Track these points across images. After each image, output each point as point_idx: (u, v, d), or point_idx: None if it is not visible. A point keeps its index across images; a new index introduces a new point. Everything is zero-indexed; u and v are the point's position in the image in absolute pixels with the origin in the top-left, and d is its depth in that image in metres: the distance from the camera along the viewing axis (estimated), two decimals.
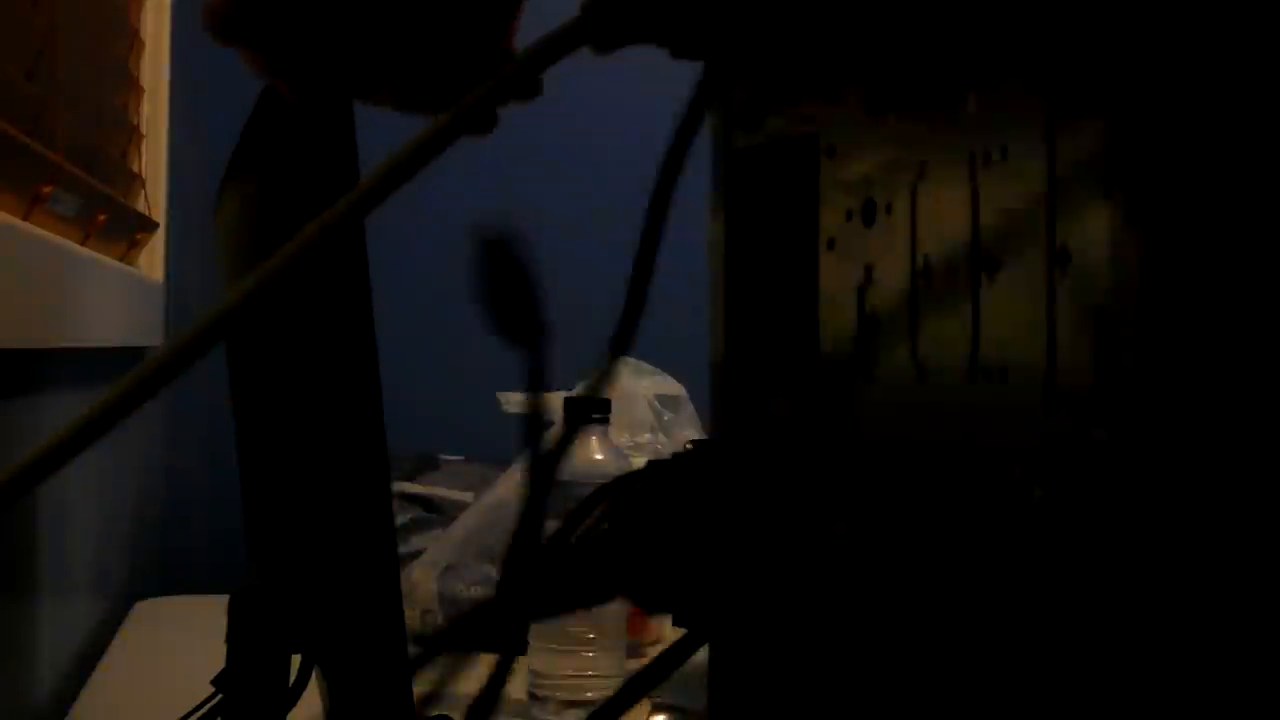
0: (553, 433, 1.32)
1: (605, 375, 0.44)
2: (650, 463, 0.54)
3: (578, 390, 1.33)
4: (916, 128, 0.46)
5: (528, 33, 0.36)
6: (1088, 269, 0.37)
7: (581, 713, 1.06)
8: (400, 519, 1.46)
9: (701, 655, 0.55)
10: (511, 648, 0.50)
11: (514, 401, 1.39)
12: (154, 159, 1.64)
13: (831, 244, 0.50)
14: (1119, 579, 0.36)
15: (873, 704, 0.47)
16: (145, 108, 1.63)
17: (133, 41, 1.58)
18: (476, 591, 1.27)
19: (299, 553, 0.75)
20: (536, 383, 0.42)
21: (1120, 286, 0.36)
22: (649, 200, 0.40)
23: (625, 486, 0.52)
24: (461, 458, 1.65)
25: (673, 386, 1.44)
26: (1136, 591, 0.36)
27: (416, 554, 1.33)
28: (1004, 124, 0.41)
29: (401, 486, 1.53)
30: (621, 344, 0.44)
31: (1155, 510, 0.36)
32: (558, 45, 0.34)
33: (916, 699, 0.44)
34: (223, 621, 0.77)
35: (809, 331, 0.51)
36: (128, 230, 1.52)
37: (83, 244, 1.21)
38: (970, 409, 0.42)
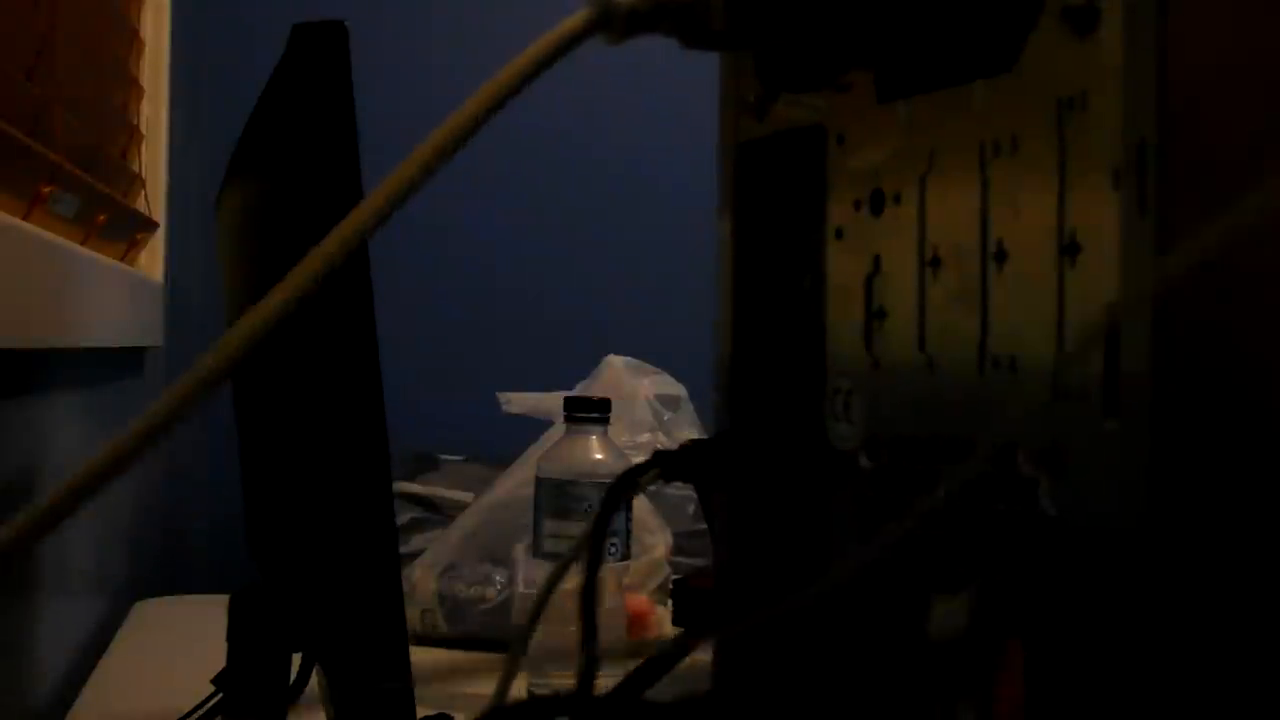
0: (551, 434, 1.31)
1: None
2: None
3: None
4: (926, 117, 0.45)
5: (536, 23, 0.36)
6: (1097, 260, 0.37)
7: None
8: (400, 519, 1.46)
9: (702, 655, 0.55)
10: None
11: (514, 401, 1.39)
12: (154, 159, 1.64)
13: (840, 234, 0.50)
14: (1130, 571, 0.36)
15: (873, 703, 0.47)
16: (145, 108, 1.63)
17: (133, 41, 1.58)
18: (476, 591, 1.26)
19: (299, 552, 0.75)
20: None
21: (1131, 278, 0.36)
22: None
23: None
24: (461, 458, 1.64)
25: (673, 386, 1.44)
26: (1152, 584, 0.36)
27: (416, 554, 1.32)
28: (1015, 114, 0.41)
29: (401, 486, 1.53)
30: None
31: (1166, 503, 0.35)
32: (569, 36, 0.33)
33: (915, 696, 0.44)
34: (223, 621, 0.77)
35: (816, 323, 0.51)
36: (128, 230, 1.51)
37: (83, 244, 1.21)
38: (979, 400, 0.42)
